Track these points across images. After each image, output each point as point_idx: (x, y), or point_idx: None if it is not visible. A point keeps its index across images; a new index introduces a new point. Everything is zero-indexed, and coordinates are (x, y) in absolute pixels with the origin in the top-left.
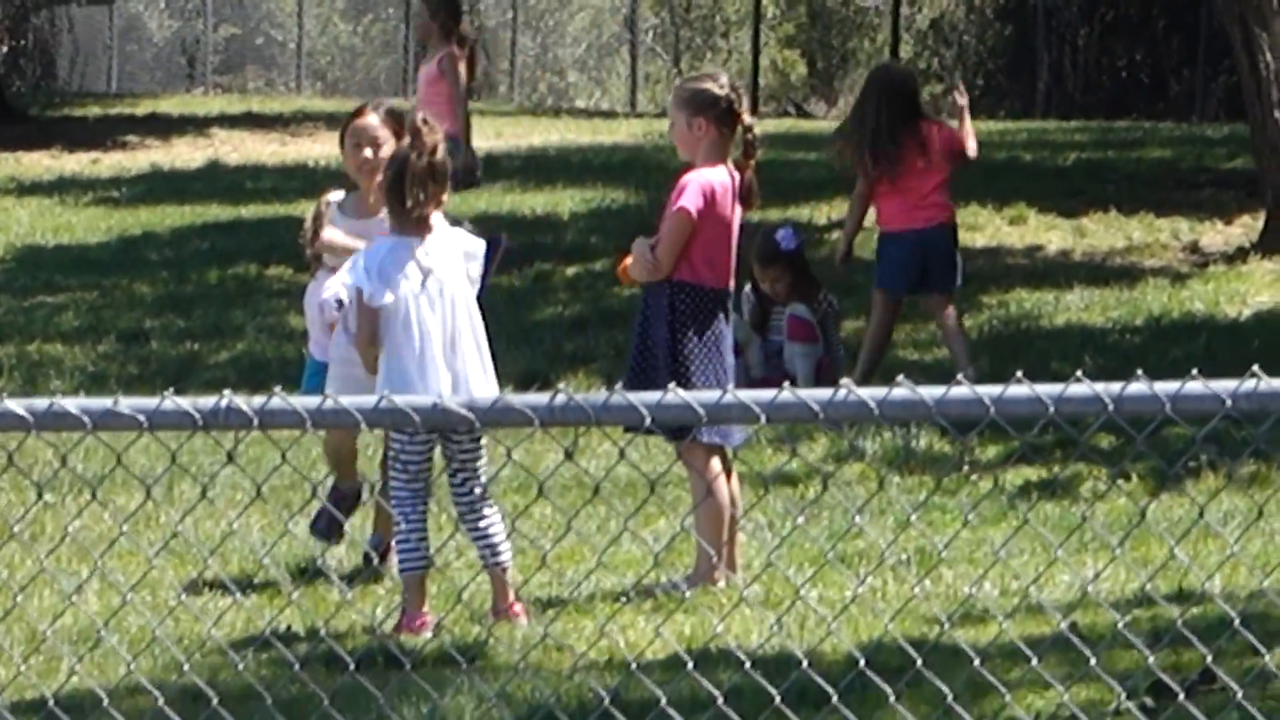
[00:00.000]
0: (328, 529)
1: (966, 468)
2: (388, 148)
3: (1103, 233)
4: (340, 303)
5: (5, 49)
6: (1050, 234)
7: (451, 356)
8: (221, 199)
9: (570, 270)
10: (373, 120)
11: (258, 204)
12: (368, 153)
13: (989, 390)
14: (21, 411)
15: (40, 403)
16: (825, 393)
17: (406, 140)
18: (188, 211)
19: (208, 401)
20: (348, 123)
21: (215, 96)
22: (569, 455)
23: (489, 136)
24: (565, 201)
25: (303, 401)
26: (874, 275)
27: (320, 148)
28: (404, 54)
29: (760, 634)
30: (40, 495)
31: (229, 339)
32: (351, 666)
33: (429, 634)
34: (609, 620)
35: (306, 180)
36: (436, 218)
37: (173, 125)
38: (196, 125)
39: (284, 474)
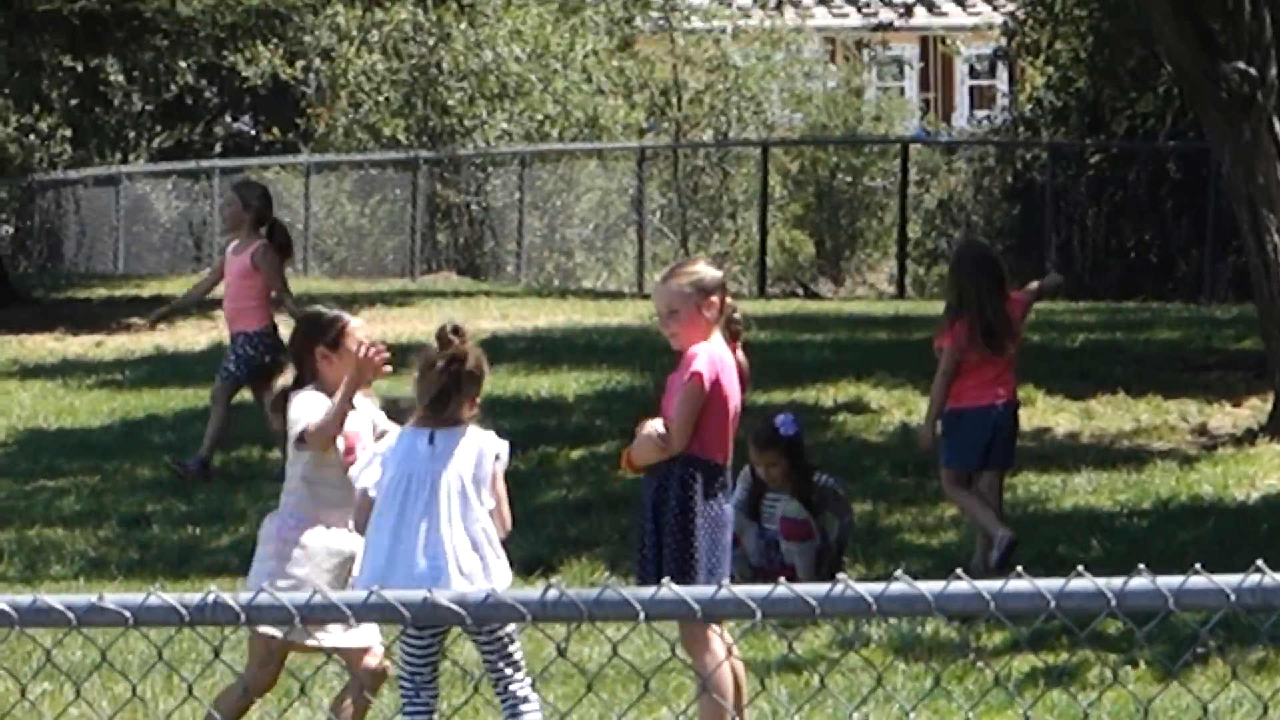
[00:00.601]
0: None
1: (971, 655)
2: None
3: (1111, 415)
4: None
5: (12, 230)
6: (1058, 416)
7: (434, 546)
8: None
9: (575, 453)
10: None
11: None
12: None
13: (989, 585)
14: (5, 607)
15: (24, 599)
16: (822, 588)
17: (436, 346)
18: (190, 394)
19: (194, 597)
20: (337, 329)
21: None
22: (561, 652)
23: (495, 318)
24: (570, 384)
25: (290, 597)
26: (941, 455)
27: None
28: (410, 235)
29: None
30: (24, 693)
31: (230, 523)
32: None
33: None
34: None
35: None
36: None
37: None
38: (200, 308)
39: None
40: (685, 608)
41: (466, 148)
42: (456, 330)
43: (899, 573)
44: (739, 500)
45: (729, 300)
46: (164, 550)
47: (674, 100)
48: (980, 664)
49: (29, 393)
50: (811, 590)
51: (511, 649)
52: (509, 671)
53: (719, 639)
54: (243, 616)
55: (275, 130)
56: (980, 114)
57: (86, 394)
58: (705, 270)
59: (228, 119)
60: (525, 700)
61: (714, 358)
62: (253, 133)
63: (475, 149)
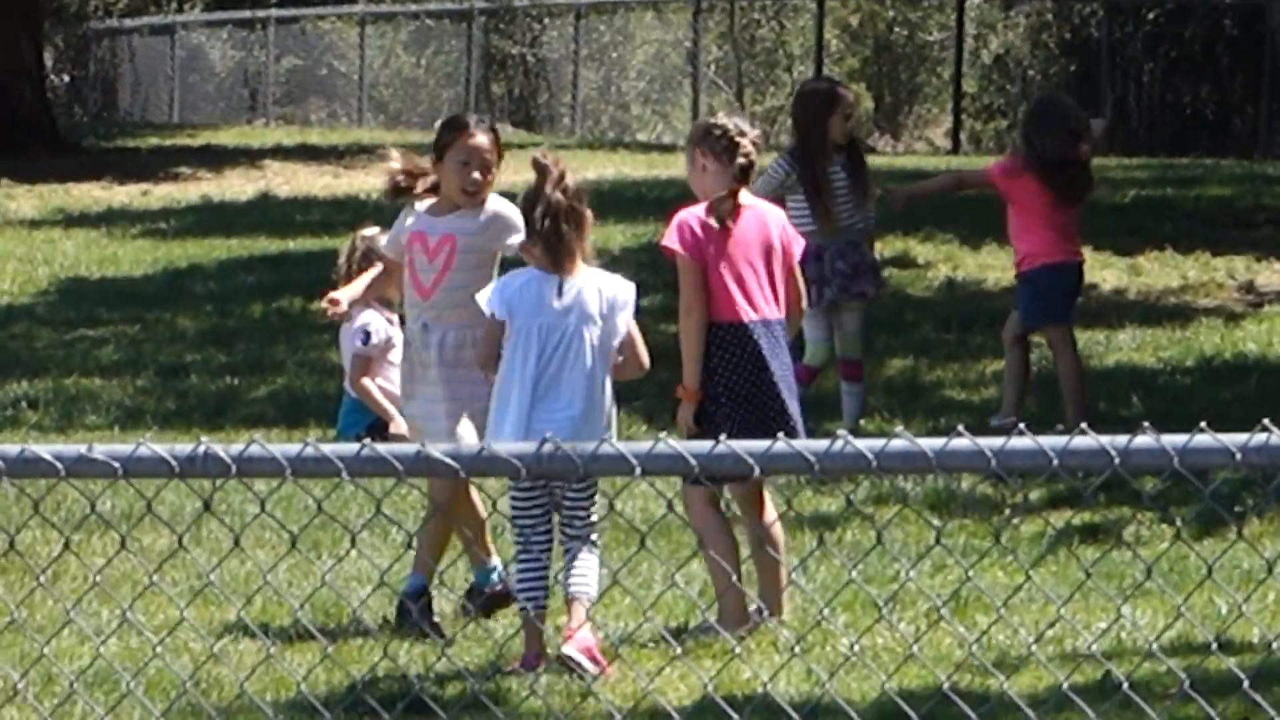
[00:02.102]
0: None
1: (1008, 511)
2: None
3: (1158, 271)
4: (368, 335)
5: (68, 78)
6: (1105, 272)
7: (552, 396)
8: (270, 231)
9: None
10: (484, 141)
11: (306, 237)
12: (476, 175)
13: (990, 443)
14: None
15: (12, 449)
16: (821, 444)
17: (537, 177)
18: (235, 244)
19: (184, 449)
20: (450, 138)
21: (276, 128)
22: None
23: None
24: (616, 236)
25: (281, 449)
26: (1030, 314)
27: (373, 180)
28: (466, 86)
29: (789, 680)
30: (67, 544)
31: (269, 374)
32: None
33: (539, 671)
34: (635, 666)
35: (356, 213)
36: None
37: (226, 157)
38: (250, 157)
39: (316, 517)
40: (682, 463)
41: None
42: (545, 155)
43: (900, 429)
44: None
45: (742, 140)
46: (201, 400)
47: None
48: (1018, 520)
49: (73, 241)
50: (810, 446)
51: (592, 500)
52: (588, 518)
53: (710, 503)
54: (233, 468)
55: None
56: None
57: (130, 243)
58: (694, 126)
59: None
60: (589, 544)
61: (681, 224)
62: None
63: (530, 1)
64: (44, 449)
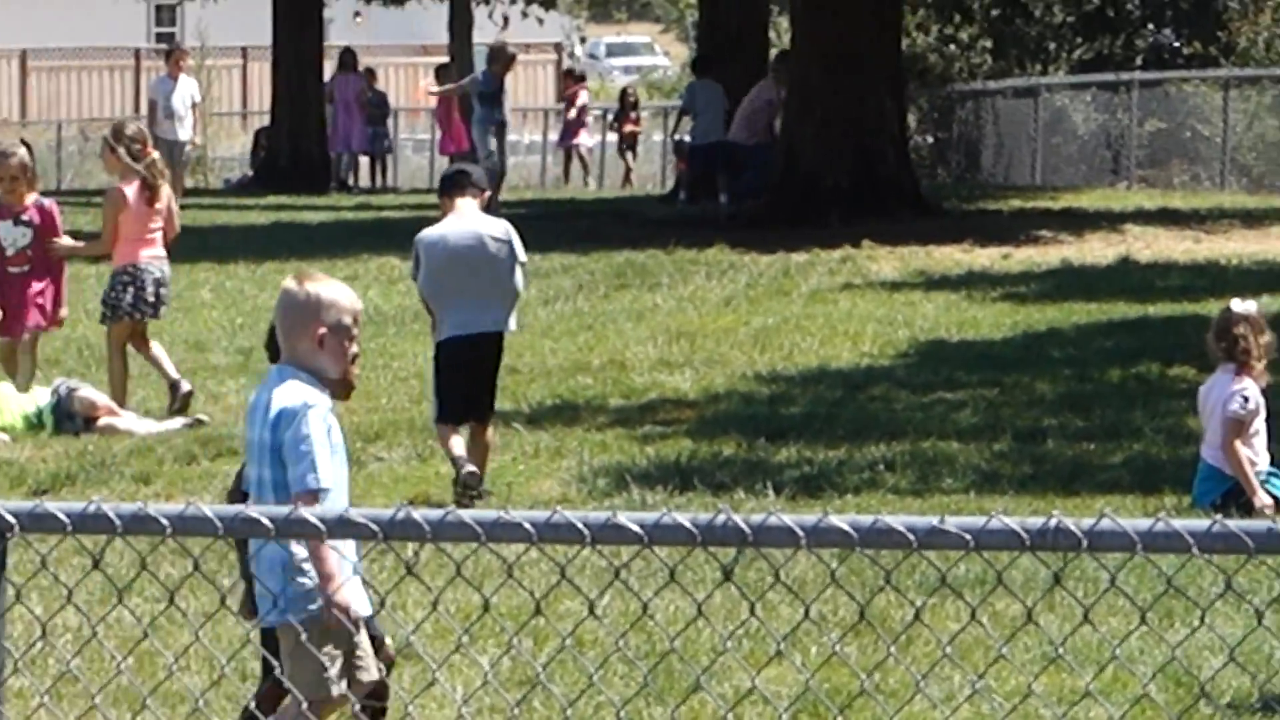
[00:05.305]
0: None
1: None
2: None
3: None
4: (1246, 399)
5: (931, 140)
6: None
7: None
8: (1129, 296)
9: None
10: None
11: (1165, 302)
12: None
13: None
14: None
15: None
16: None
17: None
18: (1094, 308)
19: (1035, 522)
20: None
21: (1137, 191)
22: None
23: None
24: None
25: (1132, 524)
26: None
27: (1234, 245)
28: None
29: None
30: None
31: (1126, 440)
32: None
33: None
34: None
35: (1216, 279)
36: None
37: (1087, 220)
38: (1111, 220)
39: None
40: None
41: None
42: None
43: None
44: None
45: None
46: (1057, 466)
47: None
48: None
49: (932, 303)
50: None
51: None
52: None
53: None
54: (1084, 542)
55: (1196, 43)
56: None
57: (990, 306)
58: None
59: (1149, 31)
60: None
61: None
62: (1174, 45)
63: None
64: (898, 520)
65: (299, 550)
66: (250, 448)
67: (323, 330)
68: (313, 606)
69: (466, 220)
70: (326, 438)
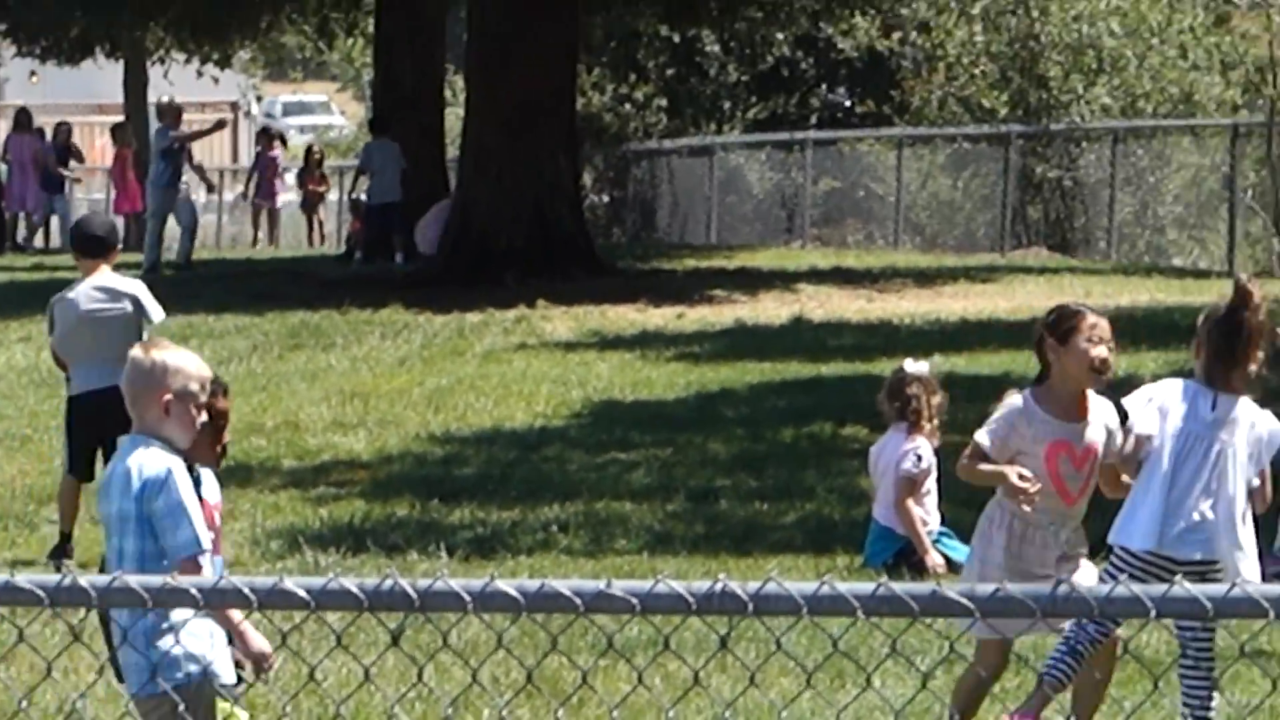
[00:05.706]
0: None
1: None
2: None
3: None
4: (919, 458)
5: (607, 199)
6: None
7: (1209, 515)
8: (802, 356)
9: None
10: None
11: (838, 361)
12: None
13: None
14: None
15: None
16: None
17: (1233, 297)
18: (767, 368)
19: (702, 586)
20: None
21: (812, 250)
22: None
23: (1078, 295)
24: (1148, 363)
25: (798, 587)
26: None
27: (907, 305)
28: (1001, 209)
29: None
30: (585, 677)
31: (799, 500)
32: None
33: None
34: None
35: (889, 338)
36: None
37: (761, 279)
38: (785, 280)
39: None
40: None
41: (1059, 122)
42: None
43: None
44: None
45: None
46: (729, 526)
47: (1269, 77)
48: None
49: (607, 364)
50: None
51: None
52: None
53: None
54: (750, 606)
55: (870, 103)
56: None
57: (664, 366)
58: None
59: (823, 90)
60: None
61: None
62: (848, 104)
63: (1067, 124)
64: (565, 584)
65: (166, 617)
66: (109, 521)
67: (168, 397)
68: (179, 674)
69: (101, 280)
70: (194, 499)
